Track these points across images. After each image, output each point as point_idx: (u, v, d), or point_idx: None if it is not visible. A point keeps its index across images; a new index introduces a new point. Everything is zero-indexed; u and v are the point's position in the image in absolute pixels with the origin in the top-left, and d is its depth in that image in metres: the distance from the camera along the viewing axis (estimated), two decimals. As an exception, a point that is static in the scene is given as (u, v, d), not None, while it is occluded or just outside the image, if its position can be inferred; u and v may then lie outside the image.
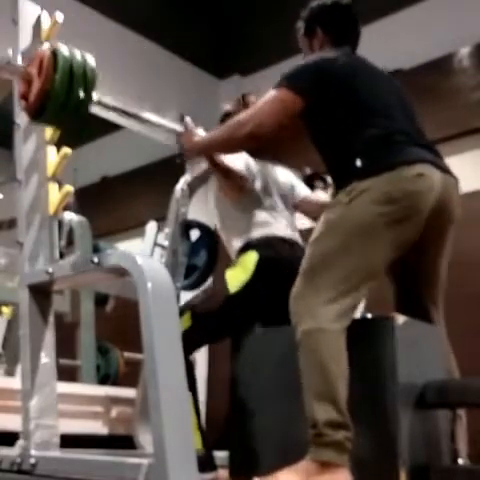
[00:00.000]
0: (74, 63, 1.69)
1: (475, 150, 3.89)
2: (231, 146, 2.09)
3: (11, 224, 2.34)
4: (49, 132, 2.00)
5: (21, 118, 2.04)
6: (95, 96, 1.77)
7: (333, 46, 2.06)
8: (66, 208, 3.18)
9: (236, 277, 2.19)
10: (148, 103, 4.85)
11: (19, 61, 2.11)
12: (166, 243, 2.65)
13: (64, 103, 1.67)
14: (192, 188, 2.77)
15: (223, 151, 2.20)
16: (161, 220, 2.77)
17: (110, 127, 4.89)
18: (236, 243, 2.30)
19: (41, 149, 1.99)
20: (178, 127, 2.23)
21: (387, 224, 1.73)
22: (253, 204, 2.32)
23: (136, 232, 4.68)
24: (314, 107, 1.92)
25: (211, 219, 2.42)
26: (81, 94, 1.68)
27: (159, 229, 2.81)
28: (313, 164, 2.38)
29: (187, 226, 2.60)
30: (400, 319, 1.75)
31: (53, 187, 1.96)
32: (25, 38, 2.10)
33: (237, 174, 2.28)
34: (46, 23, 2.09)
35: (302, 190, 2.50)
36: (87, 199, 4.47)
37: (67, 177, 2.08)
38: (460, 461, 1.76)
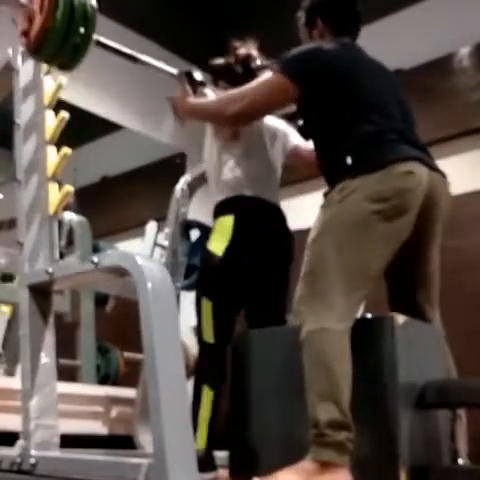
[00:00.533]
0: (75, 2, 1.70)
1: (475, 150, 3.89)
2: (218, 120, 2.14)
3: (11, 224, 2.34)
4: (49, 132, 2.00)
5: (21, 118, 2.04)
6: (95, 36, 1.80)
7: (333, 36, 2.06)
8: (66, 208, 3.18)
9: (218, 242, 2.20)
10: (148, 102, 4.87)
11: (19, 61, 2.12)
12: (166, 243, 2.65)
13: (64, 40, 1.69)
14: (192, 188, 2.77)
15: (209, 121, 2.26)
16: (161, 220, 2.77)
17: (110, 127, 4.91)
18: (217, 196, 2.32)
19: (41, 149, 1.99)
20: (175, 71, 2.26)
21: (379, 222, 1.74)
22: (246, 153, 2.31)
23: (136, 232, 4.67)
24: (308, 97, 1.92)
25: (211, 219, 2.42)
26: (81, 32, 1.70)
27: (159, 229, 2.81)
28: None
29: (187, 226, 2.60)
30: (400, 319, 1.75)
31: (53, 187, 1.96)
32: (25, 38, 2.10)
33: None
34: (46, 23, 2.08)
35: (295, 138, 2.49)
36: (87, 199, 4.46)
37: (67, 177, 2.08)
38: (460, 461, 1.76)
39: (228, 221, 2.21)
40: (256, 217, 2.24)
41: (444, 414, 1.82)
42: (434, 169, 1.87)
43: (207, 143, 2.40)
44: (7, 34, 2.13)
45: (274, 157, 2.39)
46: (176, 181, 2.74)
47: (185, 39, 5.12)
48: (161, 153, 5.03)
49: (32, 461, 1.67)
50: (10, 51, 2.13)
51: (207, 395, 2.09)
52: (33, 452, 1.71)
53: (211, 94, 2.29)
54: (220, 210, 2.28)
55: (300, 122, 2.54)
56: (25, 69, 2.10)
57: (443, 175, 1.90)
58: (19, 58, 2.11)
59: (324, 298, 1.71)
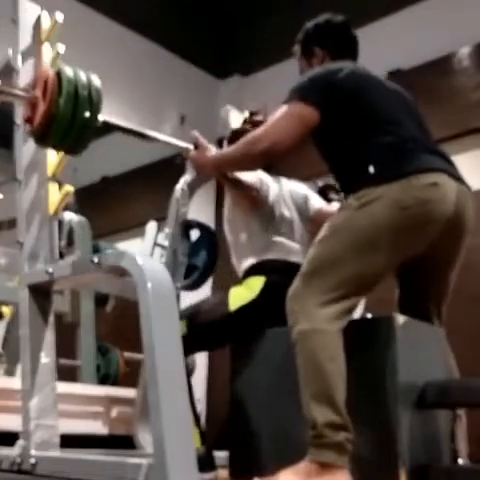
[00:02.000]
0: (79, 85, 1.67)
1: (475, 150, 3.89)
2: (246, 163, 2.04)
3: (11, 224, 2.34)
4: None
5: (21, 118, 2.04)
6: (100, 117, 1.75)
7: (333, 60, 2.07)
8: (66, 208, 3.18)
9: (240, 296, 2.17)
10: (148, 103, 4.87)
11: (19, 61, 2.12)
12: (166, 243, 2.64)
13: (69, 127, 1.66)
14: (192, 188, 2.77)
15: (237, 168, 2.16)
16: (161, 220, 2.77)
17: (110, 127, 4.91)
18: (246, 262, 2.28)
19: (41, 149, 1.99)
20: (188, 145, 2.18)
21: (396, 232, 1.72)
22: (268, 223, 2.29)
23: (136, 232, 4.68)
24: (326, 117, 1.90)
25: (211, 219, 2.42)
26: (86, 116, 1.67)
27: (159, 229, 2.80)
28: (319, 173, 2.36)
29: (187, 226, 2.60)
30: (400, 319, 1.75)
31: (53, 187, 1.96)
32: (25, 38, 2.10)
33: (250, 185, 2.26)
34: (46, 23, 2.09)
35: (317, 202, 2.46)
36: (87, 199, 4.47)
37: (67, 177, 2.08)
38: (460, 461, 1.76)
39: (259, 280, 2.17)
40: (286, 279, 2.18)
41: (444, 414, 1.82)
42: (460, 181, 1.85)
43: (227, 212, 2.39)
44: (7, 34, 2.13)
45: (298, 220, 2.37)
46: (176, 181, 2.74)
47: (186, 39, 5.13)
48: (161, 153, 5.02)
49: (32, 461, 1.67)
50: (10, 51, 2.14)
51: None
52: (33, 452, 1.71)
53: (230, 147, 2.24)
54: (251, 271, 2.24)
55: (319, 184, 2.54)
56: (25, 69, 2.10)
57: (468, 187, 1.88)
58: (19, 58, 2.11)
59: (319, 298, 1.70)
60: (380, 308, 1.89)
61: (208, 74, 5.55)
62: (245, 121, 2.44)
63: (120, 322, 3.68)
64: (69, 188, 1.93)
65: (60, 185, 1.97)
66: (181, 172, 2.52)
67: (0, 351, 3.49)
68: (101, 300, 3.65)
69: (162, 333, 1.43)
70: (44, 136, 1.69)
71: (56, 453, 1.75)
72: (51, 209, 1.94)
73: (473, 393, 1.72)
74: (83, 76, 1.69)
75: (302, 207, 2.42)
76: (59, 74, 1.67)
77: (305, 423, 1.63)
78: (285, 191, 2.41)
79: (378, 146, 1.82)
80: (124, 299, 3.19)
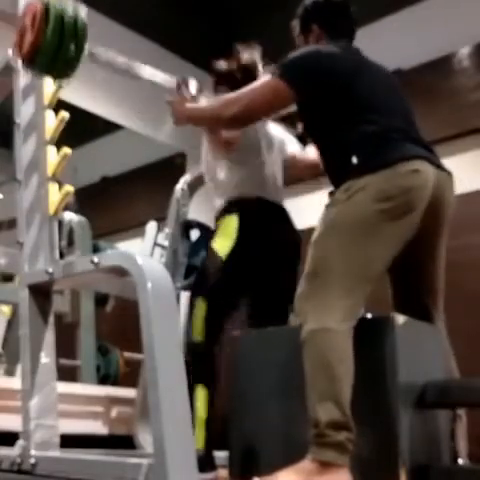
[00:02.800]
0: (65, 16, 1.71)
1: (475, 150, 3.89)
2: (216, 124, 2.15)
3: (11, 224, 2.34)
4: (49, 132, 2.00)
5: (21, 118, 2.04)
6: (87, 49, 1.79)
7: (330, 40, 2.06)
8: (66, 208, 3.18)
9: (223, 246, 2.21)
10: (148, 103, 4.87)
11: (19, 62, 2.11)
12: (166, 243, 2.65)
13: (55, 56, 1.71)
14: (192, 188, 2.77)
15: (208, 126, 2.26)
16: (161, 220, 2.77)
17: (110, 127, 4.91)
18: (219, 200, 2.33)
19: (41, 149, 1.99)
20: (172, 82, 2.29)
21: (385, 221, 1.74)
22: (241, 159, 2.32)
23: (136, 232, 4.67)
24: (310, 101, 1.92)
25: (211, 219, 2.42)
26: (72, 47, 1.71)
27: (159, 229, 2.81)
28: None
29: (187, 226, 2.60)
30: (400, 319, 1.75)
31: (53, 187, 1.96)
32: (25, 38, 2.10)
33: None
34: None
35: (292, 147, 2.50)
36: (87, 199, 4.46)
37: (67, 177, 2.08)
38: (460, 461, 1.76)
39: (232, 221, 2.22)
40: (260, 217, 2.25)
41: (444, 414, 1.82)
42: (440, 167, 1.87)
43: (204, 149, 2.41)
44: (7, 34, 2.13)
45: (272, 161, 2.39)
46: (176, 181, 2.74)
47: (185, 39, 5.12)
48: (161, 153, 5.02)
49: (32, 461, 1.67)
50: (10, 51, 2.13)
51: (201, 395, 2.09)
52: (33, 452, 1.71)
53: (207, 101, 2.28)
54: (223, 212, 2.29)
55: (298, 129, 2.55)
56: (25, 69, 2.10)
57: (449, 173, 1.90)
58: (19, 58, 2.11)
59: (326, 297, 1.71)
60: (380, 308, 1.89)
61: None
62: (231, 61, 2.44)
63: (120, 322, 3.68)
64: (69, 188, 1.93)
65: (60, 185, 1.97)
66: (181, 172, 2.52)
67: (0, 351, 3.49)
68: (101, 300, 3.65)
69: (162, 333, 1.43)
70: (32, 63, 1.75)
71: (56, 453, 1.75)
72: (51, 209, 1.93)
73: (473, 393, 1.72)
74: (70, 7, 1.74)
75: (277, 150, 2.44)
76: (47, 4, 1.72)
77: (306, 422, 1.63)
78: (261, 132, 2.41)
79: (361, 136, 1.84)
80: (124, 299, 3.19)
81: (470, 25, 4.02)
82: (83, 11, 1.76)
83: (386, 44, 4.17)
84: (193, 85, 2.27)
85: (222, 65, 2.45)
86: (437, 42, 4.14)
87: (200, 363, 2.15)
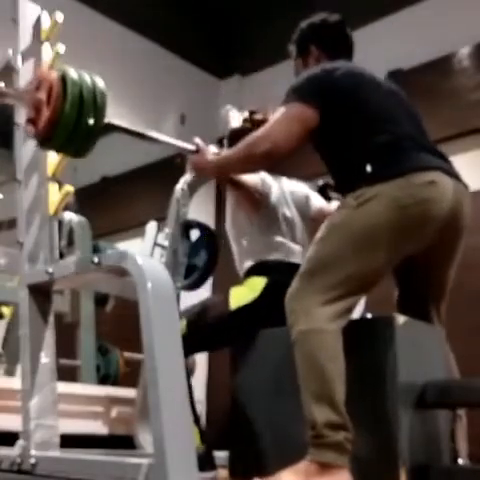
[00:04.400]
0: (84, 89, 1.64)
1: (475, 150, 3.89)
2: (247, 165, 2.03)
3: (11, 224, 2.34)
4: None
5: (21, 118, 2.04)
6: (105, 120, 1.74)
7: (329, 59, 2.06)
8: (66, 208, 3.18)
9: (241, 296, 2.18)
10: (149, 103, 4.87)
11: (19, 61, 2.11)
12: (166, 243, 2.65)
13: (73, 132, 1.64)
14: (192, 188, 2.77)
15: (238, 171, 2.16)
16: (161, 220, 2.77)
17: (111, 128, 4.91)
18: (248, 263, 2.29)
19: (42, 150, 1.99)
20: (190, 147, 2.17)
21: (394, 230, 1.72)
22: (269, 224, 2.30)
23: (136, 232, 4.68)
24: (324, 116, 1.90)
25: (211, 219, 2.42)
26: (91, 122, 1.65)
27: (159, 229, 2.80)
28: (319, 173, 2.36)
29: (187, 226, 2.60)
30: (400, 319, 1.75)
31: (53, 187, 1.96)
32: (25, 38, 2.10)
33: (252, 187, 2.28)
34: (46, 23, 2.09)
35: (317, 201, 2.47)
36: (87, 199, 4.46)
37: (67, 177, 2.08)
38: (460, 461, 1.76)
39: (260, 281, 2.18)
40: (287, 280, 2.18)
41: (444, 414, 1.82)
42: (458, 179, 1.85)
43: (229, 214, 2.40)
44: (7, 34, 2.13)
45: (299, 220, 2.38)
46: (176, 181, 2.74)
47: (186, 39, 5.13)
48: (161, 153, 5.02)
49: (32, 461, 1.67)
50: (10, 51, 2.13)
51: None
52: (33, 452, 1.71)
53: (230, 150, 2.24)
54: (253, 271, 2.25)
55: (320, 183, 2.54)
56: (25, 69, 2.10)
57: (465, 185, 1.88)
58: (19, 58, 2.11)
59: (318, 298, 1.70)
60: (380, 308, 1.89)
61: (208, 74, 5.55)
62: (245, 120, 2.44)
63: (120, 322, 3.68)
64: (69, 188, 1.93)
65: (60, 185, 1.97)
66: (181, 172, 2.52)
67: (0, 351, 3.49)
68: (101, 300, 3.66)
69: (162, 333, 1.43)
70: (48, 140, 1.68)
71: (56, 453, 1.75)
72: (51, 209, 1.94)
73: (473, 393, 1.72)
74: (88, 79, 1.66)
75: (303, 207, 2.42)
76: (64, 77, 1.65)
77: (305, 423, 1.63)
78: (286, 191, 2.41)
79: (375, 145, 1.82)
80: (124, 299, 3.20)
81: (470, 25, 4.02)
82: (100, 81, 1.69)
83: (386, 44, 4.17)
84: (212, 148, 2.19)
85: (236, 126, 2.42)
86: (437, 42, 4.14)
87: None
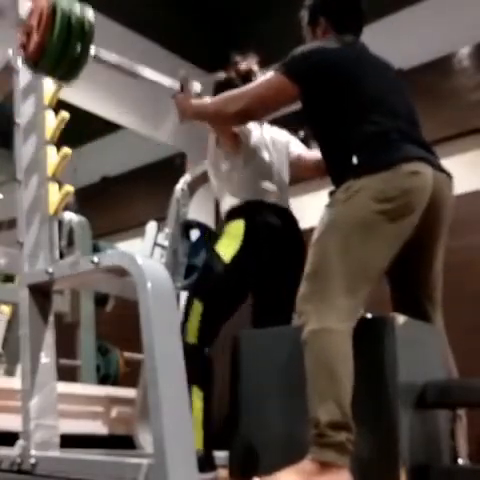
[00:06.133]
0: (72, 17, 1.69)
1: (475, 150, 3.89)
2: (220, 120, 2.17)
3: (11, 224, 2.34)
4: (49, 132, 2.00)
5: (21, 118, 2.04)
6: (92, 51, 1.80)
7: (336, 33, 2.06)
8: (66, 208, 3.18)
9: (227, 247, 2.21)
10: (148, 102, 4.87)
11: (19, 61, 2.11)
12: (166, 243, 2.65)
13: (60, 58, 1.70)
14: (192, 188, 2.77)
15: (212, 122, 2.27)
16: (161, 220, 2.77)
17: (110, 127, 4.91)
18: (225, 204, 2.34)
19: (41, 149, 1.99)
20: (175, 85, 2.31)
21: (384, 221, 1.74)
22: (246, 162, 2.33)
23: (136, 232, 4.66)
24: (313, 98, 1.92)
25: (211, 219, 2.42)
26: (78, 49, 1.70)
27: (159, 229, 2.81)
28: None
29: (187, 226, 2.60)
30: (400, 319, 1.75)
31: (53, 187, 1.95)
32: (25, 38, 2.10)
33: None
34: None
35: (297, 148, 2.51)
36: (87, 199, 4.46)
37: (67, 177, 2.08)
38: (460, 461, 1.76)
39: (239, 226, 2.22)
40: (266, 223, 2.25)
41: (444, 414, 1.82)
42: (439, 169, 1.87)
43: (210, 153, 2.41)
44: (7, 34, 2.13)
45: (277, 163, 2.40)
46: (176, 181, 2.74)
47: (185, 39, 5.13)
48: (161, 153, 5.02)
49: (32, 461, 1.67)
50: (10, 51, 2.13)
51: (197, 396, 2.09)
52: (33, 452, 1.71)
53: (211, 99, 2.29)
54: (230, 215, 2.29)
55: (301, 133, 2.56)
56: (25, 69, 2.10)
57: (448, 175, 1.90)
58: (19, 58, 2.11)
59: (327, 298, 1.71)
60: (380, 308, 1.89)
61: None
62: (230, 70, 2.45)
63: (120, 322, 3.67)
64: (69, 188, 1.93)
65: (60, 185, 1.97)
66: (181, 172, 2.52)
67: (0, 351, 3.49)
68: (101, 300, 3.65)
69: (162, 333, 1.43)
70: (36, 64, 1.74)
71: (56, 453, 1.74)
72: (51, 209, 1.93)
73: (473, 393, 1.72)
74: (78, 9, 1.72)
75: (282, 152, 2.45)
76: (54, 5, 1.69)
77: (306, 422, 1.63)
78: (266, 135, 2.43)
79: (362, 136, 1.84)
80: (124, 299, 3.20)
81: (470, 25, 4.02)
82: (90, 12, 1.74)
83: (386, 44, 4.16)
84: (196, 86, 2.28)
85: (221, 75, 2.45)
86: (437, 42, 4.14)
87: (193, 364, 2.15)
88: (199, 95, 2.35)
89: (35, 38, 1.70)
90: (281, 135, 2.51)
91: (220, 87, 2.39)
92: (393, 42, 4.25)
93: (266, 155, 2.38)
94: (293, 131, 2.59)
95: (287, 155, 2.47)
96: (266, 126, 2.47)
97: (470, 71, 4.04)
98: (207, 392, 2.12)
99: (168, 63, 5.24)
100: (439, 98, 4.02)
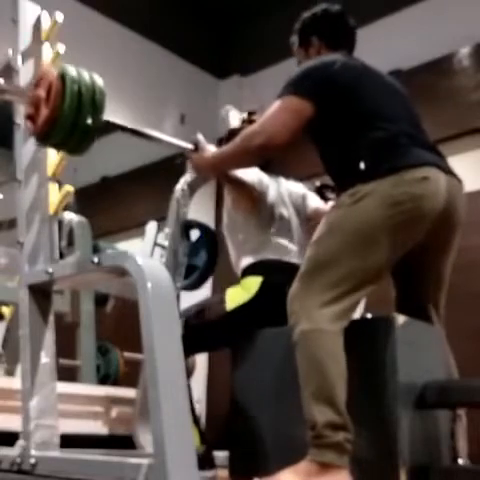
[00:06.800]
0: (82, 88, 1.64)
1: (475, 150, 3.89)
2: (244, 159, 2.03)
3: (11, 224, 2.34)
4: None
5: (21, 118, 2.04)
6: (104, 118, 1.74)
7: (330, 51, 2.06)
8: (66, 208, 3.18)
9: (236, 296, 2.19)
10: (149, 103, 4.87)
11: (19, 61, 2.11)
12: (166, 243, 2.65)
13: (72, 130, 1.64)
14: (192, 188, 2.77)
15: (236, 165, 2.16)
16: (161, 220, 2.77)
17: (110, 127, 4.91)
18: (244, 261, 2.29)
19: (41, 149, 1.99)
20: (189, 145, 2.18)
21: (390, 227, 1.72)
22: (266, 223, 2.30)
23: (136, 232, 4.68)
24: (320, 111, 1.90)
25: (211, 219, 2.42)
26: (89, 121, 1.65)
27: (159, 229, 2.81)
28: (317, 173, 2.36)
29: (187, 226, 2.60)
30: (400, 319, 1.75)
31: (53, 187, 1.96)
32: (25, 38, 2.10)
33: (249, 185, 2.28)
34: (46, 23, 2.09)
35: (314, 201, 2.47)
36: (87, 199, 4.47)
37: (67, 177, 2.08)
38: (460, 461, 1.76)
39: (256, 281, 2.18)
40: (283, 279, 2.09)
41: (444, 414, 1.82)
42: (451, 174, 1.85)
43: (225, 216, 2.40)
44: (7, 34, 2.13)
45: (295, 219, 2.38)
46: (176, 181, 2.74)
47: (186, 39, 5.13)
48: (161, 153, 5.02)
49: (32, 461, 1.67)
50: (10, 51, 2.13)
51: None
52: (33, 452, 1.71)
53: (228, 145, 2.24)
54: (248, 271, 2.25)
55: (317, 183, 2.54)
56: (25, 69, 2.10)
57: (459, 180, 1.88)
58: (19, 58, 2.11)
59: (319, 298, 1.70)
60: (380, 308, 1.89)
61: (208, 74, 5.55)
62: (244, 121, 2.44)
63: (120, 322, 3.68)
64: (69, 188, 1.93)
65: (60, 185, 1.97)
66: (181, 172, 2.52)
67: (0, 351, 3.49)
68: (101, 300, 3.65)
69: (162, 333, 1.43)
70: (46, 137, 1.68)
71: (56, 453, 1.75)
72: (51, 209, 1.93)
73: (473, 393, 1.72)
74: (87, 77, 1.67)
75: (300, 207, 2.42)
76: (63, 76, 1.65)
77: (305, 423, 1.63)
78: (283, 191, 2.41)
79: (369, 142, 1.83)
80: (124, 299, 3.20)
81: (470, 25, 4.02)
82: (99, 80, 1.69)
83: (386, 44, 4.17)
84: (211, 148, 2.19)
85: (236, 126, 2.41)
86: (437, 42, 4.14)
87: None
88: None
89: (44, 111, 1.64)
90: (297, 188, 2.47)
91: (233, 137, 2.34)
92: (393, 42, 4.26)
93: (284, 212, 2.35)
94: (308, 182, 2.57)
95: (305, 209, 2.43)
96: (282, 180, 2.45)
97: (470, 71, 4.05)
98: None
99: (168, 63, 5.26)
100: (439, 98, 4.02)
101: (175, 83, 5.23)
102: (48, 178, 1.96)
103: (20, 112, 2.04)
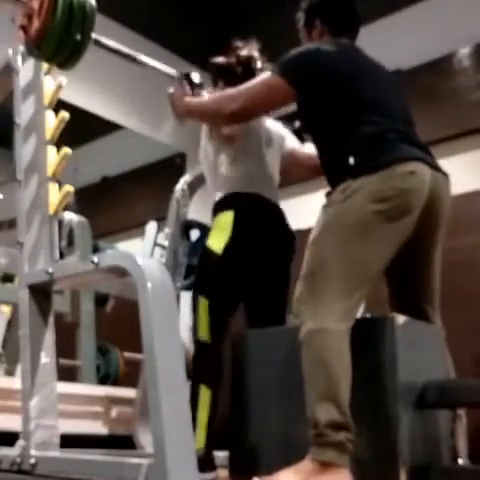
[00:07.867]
0: (74, 3, 1.69)
1: (475, 150, 3.89)
2: (215, 120, 2.18)
3: (11, 224, 2.34)
4: (49, 132, 2.00)
5: (21, 118, 2.04)
6: (93, 36, 1.78)
7: (332, 36, 2.06)
8: (66, 208, 3.18)
9: (217, 239, 2.20)
10: (148, 103, 4.87)
11: (19, 61, 2.12)
12: (166, 243, 2.65)
13: (62, 39, 1.69)
14: (192, 188, 2.77)
15: (205, 121, 2.28)
16: (161, 220, 2.77)
17: (110, 127, 4.91)
18: (216, 194, 2.32)
19: (41, 149, 1.99)
20: (173, 72, 2.31)
21: (381, 222, 1.74)
22: (241, 154, 2.31)
23: (136, 232, 4.67)
24: (309, 99, 1.92)
25: (210, 219, 2.42)
26: (79, 35, 1.70)
27: (159, 229, 2.81)
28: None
29: (187, 226, 2.60)
30: (400, 319, 1.75)
31: (53, 187, 1.96)
32: (25, 38, 2.10)
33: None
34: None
35: (291, 142, 2.49)
36: (87, 199, 4.46)
37: (67, 177, 2.08)
38: (460, 461, 1.76)
39: (227, 217, 2.21)
40: (255, 213, 2.24)
41: (444, 414, 1.82)
42: (436, 169, 1.87)
43: (202, 144, 2.41)
44: (7, 34, 2.13)
45: (270, 158, 2.39)
46: (176, 181, 2.74)
47: (185, 39, 5.13)
48: (161, 153, 5.02)
49: (32, 461, 1.67)
50: (10, 51, 2.13)
51: (205, 395, 2.08)
52: (33, 452, 1.71)
53: (207, 96, 2.28)
54: (219, 207, 2.28)
55: (296, 125, 2.56)
56: (25, 69, 2.10)
57: (445, 174, 1.90)
58: (19, 58, 2.11)
59: (324, 298, 1.71)
60: (380, 308, 1.89)
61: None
62: (230, 55, 2.44)
63: (120, 322, 3.68)
64: (69, 188, 1.93)
65: (60, 185, 1.97)
66: (181, 172, 2.52)
67: (0, 351, 3.49)
68: (101, 300, 3.65)
69: (162, 333, 1.43)
70: (38, 48, 1.73)
71: (56, 453, 1.75)
72: (51, 209, 1.93)
73: (473, 393, 1.72)
74: None
75: (276, 145, 2.43)
76: None
77: (306, 422, 1.63)
78: (262, 127, 2.40)
79: (358, 137, 1.84)
80: (124, 299, 3.20)
81: (470, 25, 4.02)
82: None
83: (386, 44, 4.17)
84: (196, 77, 2.27)
85: (221, 59, 2.44)
86: (437, 42, 4.14)
87: (206, 363, 2.14)
88: (200, 86, 2.34)
89: (37, 21, 1.69)
90: (276, 128, 2.48)
91: (219, 72, 2.39)
92: (392, 42, 4.26)
93: (261, 150, 2.36)
94: (287, 123, 2.58)
95: (281, 149, 2.45)
96: (261, 117, 2.44)
97: (470, 71, 4.04)
98: (215, 391, 2.10)
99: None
100: (439, 98, 4.02)
101: (175, 83, 5.23)
102: (48, 178, 1.96)
103: (20, 112, 2.05)
